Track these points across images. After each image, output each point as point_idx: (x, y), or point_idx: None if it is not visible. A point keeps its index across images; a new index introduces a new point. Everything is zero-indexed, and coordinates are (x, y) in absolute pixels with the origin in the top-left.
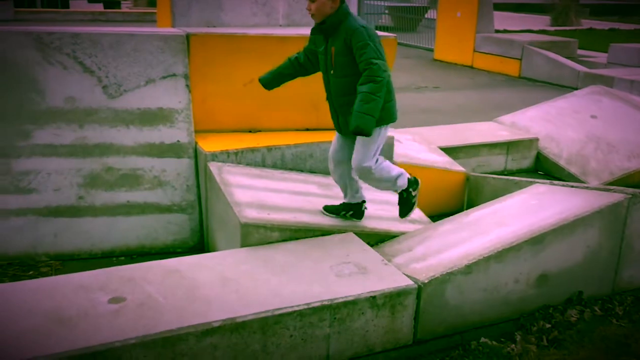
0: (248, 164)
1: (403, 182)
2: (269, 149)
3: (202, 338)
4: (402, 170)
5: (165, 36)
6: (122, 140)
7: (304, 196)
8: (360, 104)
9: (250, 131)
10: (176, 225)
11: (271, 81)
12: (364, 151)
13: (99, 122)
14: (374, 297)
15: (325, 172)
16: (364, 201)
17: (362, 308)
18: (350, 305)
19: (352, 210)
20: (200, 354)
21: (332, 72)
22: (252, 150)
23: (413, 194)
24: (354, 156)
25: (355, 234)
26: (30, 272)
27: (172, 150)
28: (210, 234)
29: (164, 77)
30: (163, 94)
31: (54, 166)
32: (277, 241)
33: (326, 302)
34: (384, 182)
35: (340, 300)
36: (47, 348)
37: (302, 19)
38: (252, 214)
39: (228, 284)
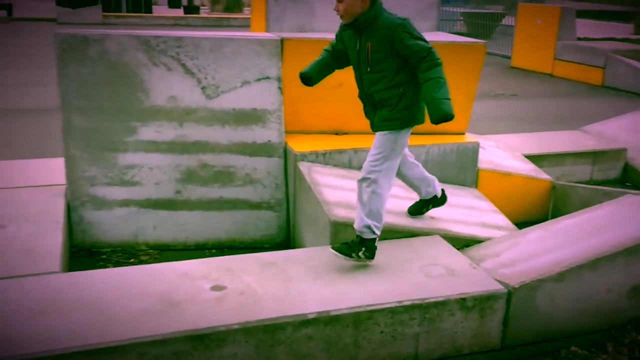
0: (335, 165)
1: (369, 231)
2: (356, 150)
3: (299, 328)
4: (380, 227)
5: (262, 40)
6: (218, 138)
7: (390, 198)
8: (434, 90)
9: (336, 133)
10: (264, 221)
11: (316, 74)
12: (383, 147)
13: (197, 121)
14: (463, 299)
15: None
16: (442, 190)
17: (451, 309)
18: (441, 305)
19: (431, 202)
20: (296, 343)
21: (368, 68)
22: (340, 151)
23: (360, 254)
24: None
25: (441, 237)
26: (132, 260)
27: (263, 149)
28: (298, 231)
29: (259, 80)
30: (257, 95)
31: (155, 161)
32: None
33: (417, 302)
34: (365, 204)
35: (431, 300)
36: (162, 327)
37: None
38: (341, 213)
39: (321, 278)
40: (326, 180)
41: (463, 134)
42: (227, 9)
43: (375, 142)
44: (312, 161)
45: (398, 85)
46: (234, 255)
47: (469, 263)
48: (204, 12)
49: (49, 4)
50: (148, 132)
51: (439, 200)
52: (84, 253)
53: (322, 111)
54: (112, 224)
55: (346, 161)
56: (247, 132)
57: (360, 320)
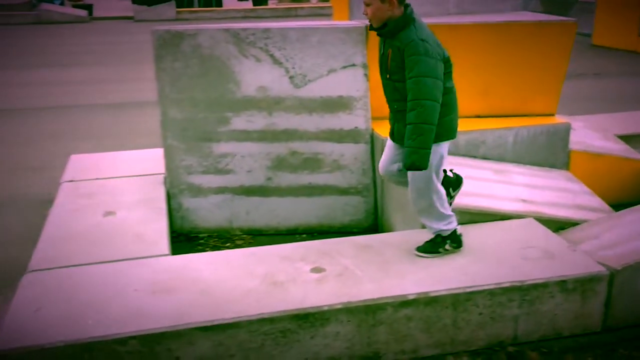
0: None
1: (447, 227)
2: None
3: (399, 309)
4: (454, 218)
5: (347, 29)
6: (306, 126)
7: (480, 181)
8: (411, 137)
9: None
10: (352, 206)
11: None
12: (421, 173)
13: (285, 110)
14: (564, 282)
15: (499, 159)
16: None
17: (552, 291)
18: (541, 287)
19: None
20: (396, 323)
21: (387, 75)
22: None
23: (446, 247)
24: (409, 176)
25: (535, 219)
26: (227, 244)
27: (350, 135)
28: (386, 216)
29: (345, 67)
30: (343, 83)
31: (247, 150)
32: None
33: (516, 284)
34: (430, 209)
35: (530, 282)
36: (269, 306)
37: (473, 6)
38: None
39: (417, 261)
40: None
41: (553, 114)
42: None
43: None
44: None
45: None
46: (327, 239)
47: (567, 245)
48: (272, 4)
49: (126, 3)
50: (240, 122)
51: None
52: (183, 238)
53: None
54: (208, 210)
55: None
56: (334, 119)
57: (459, 301)
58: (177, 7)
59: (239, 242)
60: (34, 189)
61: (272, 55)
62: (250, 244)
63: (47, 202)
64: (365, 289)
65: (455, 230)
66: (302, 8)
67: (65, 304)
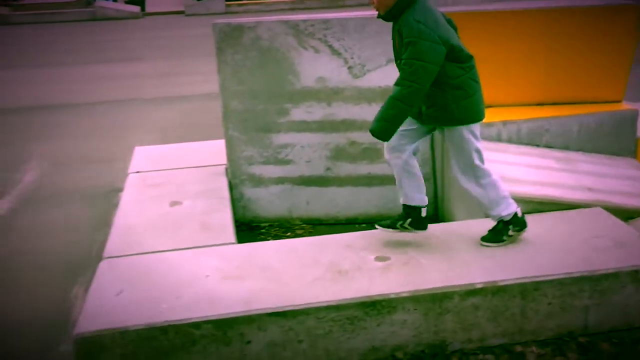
0: (483, 139)
1: (506, 212)
2: (504, 123)
3: (466, 297)
4: (511, 201)
5: None
6: (365, 116)
7: (544, 170)
8: (385, 107)
9: None
10: None
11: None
12: (461, 156)
13: (344, 100)
14: (636, 272)
15: (563, 147)
16: (424, 206)
17: (623, 282)
18: (612, 278)
19: (411, 217)
20: (463, 311)
21: (398, 60)
22: (488, 125)
23: (510, 233)
24: (454, 162)
25: (603, 209)
26: (288, 234)
27: None
28: (447, 205)
29: None
30: None
31: (306, 140)
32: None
33: (586, 273)
34: (485, 198)
35: (601, 272)
36: (335, 294)
37: None
38: None
39: (482, 250)
40: None
41: (620, 101)
42: None
43: (450, 154)
44: None
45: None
46: None
47: (638, 235)
48: None
49: None
50: (299, 113)
51: (416, 220)
52: (244, 227)
53: None
54: (269, 200)
55: (494, 134)
56: None
57: (527, 291)
58: (226, 0)
59: (299, 232)
60: (100, 180)
61: (330, 46)
62: (310, 234)
63: (113, 192)
64: (431, 278)
65: (515, 214)
66: None
67: (141, 289)
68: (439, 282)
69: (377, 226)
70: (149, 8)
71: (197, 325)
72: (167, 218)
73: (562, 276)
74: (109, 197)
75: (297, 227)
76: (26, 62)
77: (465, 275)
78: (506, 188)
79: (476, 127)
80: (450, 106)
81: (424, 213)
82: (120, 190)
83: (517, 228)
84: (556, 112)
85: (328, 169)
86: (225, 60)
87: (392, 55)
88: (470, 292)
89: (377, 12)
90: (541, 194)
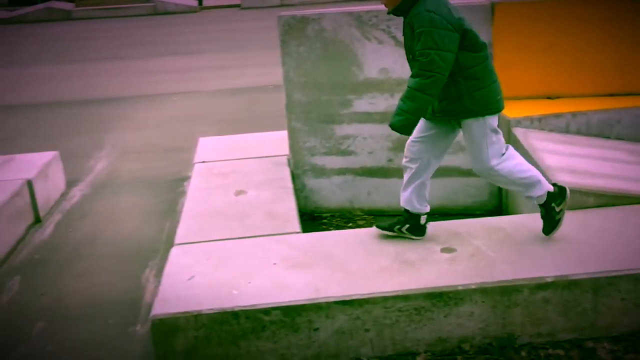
0: (551, 130)
1: (539, 192)
2: (574, 114)
3: (536, 291)
4: (540, 178)
5: (471, 6)
6: None
7: (615, 163)
8: (404, 99)
9: (549, 97)
10: (475, 188)
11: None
12: (478, 149)
13: None
14: None
15: (635, 139)
16: (424, 214)
17: None
18: None
19: (409, 223)
20: (532, 305)
21: (410, 56)
22: (556, 116)
23: (557, 209)
24: (471, 156)
25: None
26: (350, 224)
27: None
28: (511, 198)
29: None
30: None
31: (368, 131)
32: (592, 207)
33: None
34: (512, 185)
35: None
36: (403, 284)
37: None
38: (565, 178)
39: (552, 244)
40: (544, 146)
41: None
42: None
43: (466, 145)
44: (526, 127)
45: None
46: (455, 220)
47: None
48: None
49: None
50: (362, 104)
51: (414, 227)
52: (306, 217)
53: (534, 75)
54: (331, 191)
55: (563, 125)
56: None
57: (600, 286)
58: None
59: (360, 222)
60: (166, 169)
61: (394, 37)
62: (372, 225)
63: (178, 180)
64: (500, 270)
65: (554, 194)
66: None
67: (212, 275)
68: (508, 274)
69: (375, 227)
70: (206, 2)
71: (266, 311)
72: (234, 207)
73: (637, 272)
74: (175, 186)
75: (358, 218)
76: (94, 56)
77: (534, 269)
78: (531, 168)
79: (494, 120)
80: (464, 97)
81: (423, 220)
82: (185, 179)
83: (558, 201)
84: (628, 103)
85: (390, 160)
86: (289, 52)
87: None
88: (541, 285)
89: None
90: (612, 187)
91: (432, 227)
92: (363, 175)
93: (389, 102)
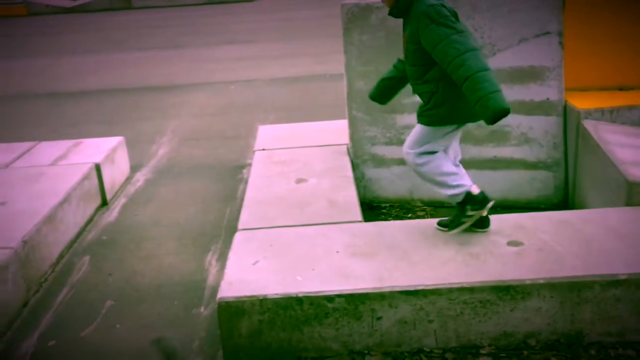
0: (624, 123)
1: (455, 192)
2: None
3: (607, 288)
4: (461, 181)
5: None
6: None
7: None
8: (475, 89)
9: (620, 89)
10: (540, 181)
11: (380, 95)
12: (417, 137)
13: None
14: None
15: None
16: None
17: None
18: None
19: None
20: (603, 303)
21: (407, 59)
22: (630, 108)
23: (468, 213)
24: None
25: None
26: (409, 215)
27: (540, 107)
28: (579, 192)
29: (537, 36)
30: (535, 52)
31: None
32: None
33: None
34: (429, 181)
35: None
36: (468, 276)
37: None
38: (638, 173)
39: (622, 239)
40: (617, 139)
41: None
42: None
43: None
44: (597, 119)
45: (429, 82)
46: (520, 213)
47: None
48: None
49: None
50: None
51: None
52: (365, 207)
53: (605, 66)
54: (390, 181)
55: (636, 118)
56: (523, 90)
57: None
58: None
59: (420, 213)
60: (225, 156)
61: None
62: (432, 216)
63: (237, 167)
64: (569, 266)
65: (468, 193)
66: None
67: (276, 260)
68: (578, 270)
69: (437, 225)
70: None
71: (330, 298)
72: (295, 194)
73: None
74: (234, 173)
75: (418, 209)
76: (153, 45)
77: (605, 265)
78: (454, 169)
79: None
80: (445, 105)
81: (476, 192)
82: (244, 166)
83: (476, 206)
84: None
85: None
86: (352, 40)
87: (525, 35)
88: (613, 282)
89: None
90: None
91: (497, 220)
92: None
93: None
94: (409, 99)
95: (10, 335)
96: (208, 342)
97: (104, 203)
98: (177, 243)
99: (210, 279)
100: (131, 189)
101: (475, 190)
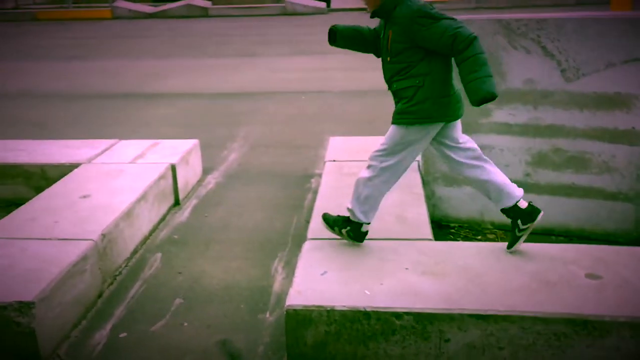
0: None
1: (352, 213)
2: None
3: None
4: (367, 213)
5: (631, 19)
6: (574, 122)
7: None
8: (474, 69)
9: None
10: (620, 213)
11: (344, 35)
12: (388, 142)
13: (552, 105)
14: None
15: None
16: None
17: None
18: None
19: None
20: None
21: (388, 58)
22: None
23: (342, 231)
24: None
25: None
26: (479, 237)
27: (625, 136)
28: None
29: (626, 62)
30: (622, 78)
31: (506, 143)
32: None
33: None
34: (354, 192)
35: None
36: (541, 306)
37: None
38: None
39: None
40: None
41: None
42: None
43: (387, 133)
44: None
45: (415, 77)
46: (600, 245)
47: None
48: None
49: None
50: (501, 115)
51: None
52: (434, 225)
53: None
54: (460, 200)
55: None
56: (607, 117)
57: None
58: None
59: (490, 236)
60: (294, 165)
61: (544, 47)
62: (502, 239)
63: (306, 177)
64: None
65: (360, 225)
66: None
67: (344, 272)
68: None
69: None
70: (334, 4)
71: (398, 315)
72: None
73: None
74: (302, 182)
75: (488, 232)
76: (227, 52)
77: None
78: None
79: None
80: (429, 100)
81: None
82: (313, 176)
83: (351, 234)
84: None
85: (527, 174)
86: None
87: (612, 60)
88: None
89: (501, 11)
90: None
91: (575, 249)
92: None
93: (531, 115)
94: (485, 119)
95: (85, 324)
96: (272, 348)
97: (177, 203)
98: (245, 247)
99: (276, 286)
100: (202, 191)
101: (524, 204)
